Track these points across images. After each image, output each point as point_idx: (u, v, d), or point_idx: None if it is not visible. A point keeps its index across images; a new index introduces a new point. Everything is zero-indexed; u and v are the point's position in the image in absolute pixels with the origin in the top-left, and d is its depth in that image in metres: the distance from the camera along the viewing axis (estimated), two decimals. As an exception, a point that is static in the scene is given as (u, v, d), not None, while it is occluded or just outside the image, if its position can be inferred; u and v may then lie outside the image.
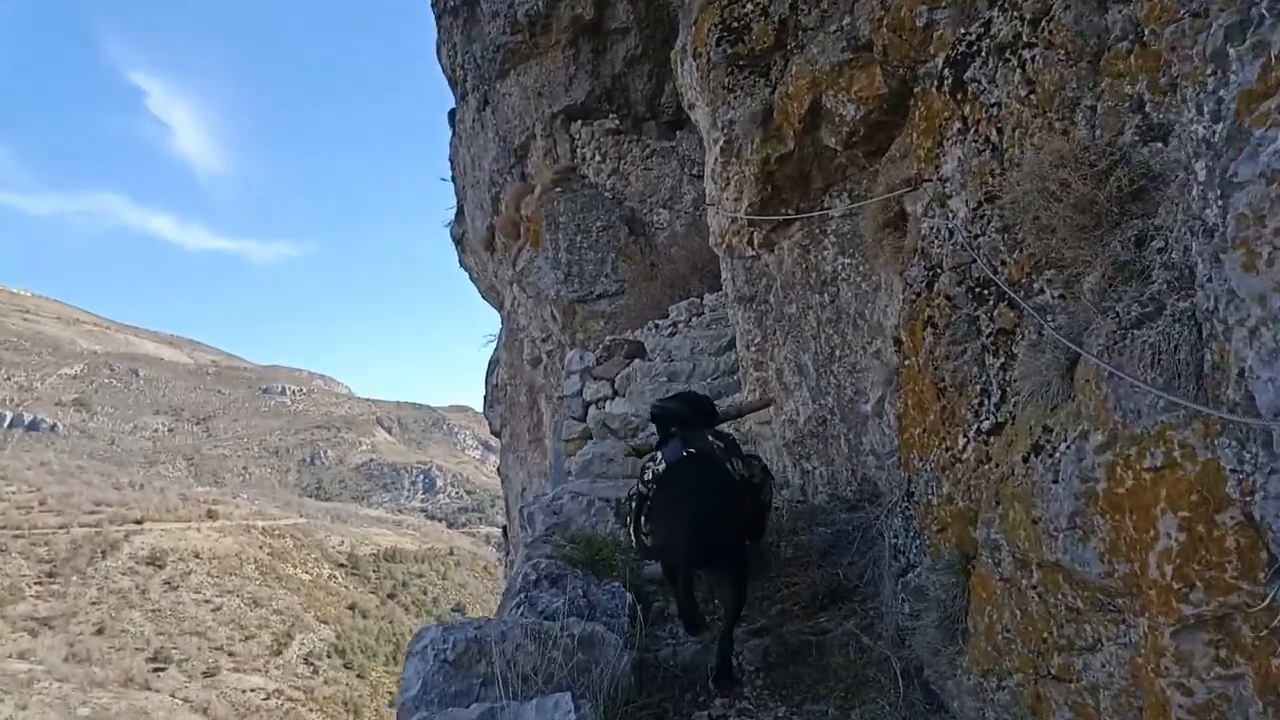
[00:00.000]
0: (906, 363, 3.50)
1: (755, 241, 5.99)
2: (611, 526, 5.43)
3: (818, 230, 5.42)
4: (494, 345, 21.19)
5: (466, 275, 22.44)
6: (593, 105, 17.46)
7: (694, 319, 10.11)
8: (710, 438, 4.51)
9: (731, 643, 3.82)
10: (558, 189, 17.00)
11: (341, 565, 79.84)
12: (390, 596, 76.83)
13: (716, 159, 5.96)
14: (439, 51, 19.60)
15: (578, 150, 17.38)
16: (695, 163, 16.29)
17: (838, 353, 5.31)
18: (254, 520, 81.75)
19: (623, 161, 16.93)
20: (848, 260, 5.14)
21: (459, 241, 21.91)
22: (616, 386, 9.94)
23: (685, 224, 15.89)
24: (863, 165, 4.75)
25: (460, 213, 21.53)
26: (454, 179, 21.21)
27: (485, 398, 21.08)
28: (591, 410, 10.05)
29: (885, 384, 4.39)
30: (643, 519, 4.39)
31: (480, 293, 22.02)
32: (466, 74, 18.82)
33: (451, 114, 20.38)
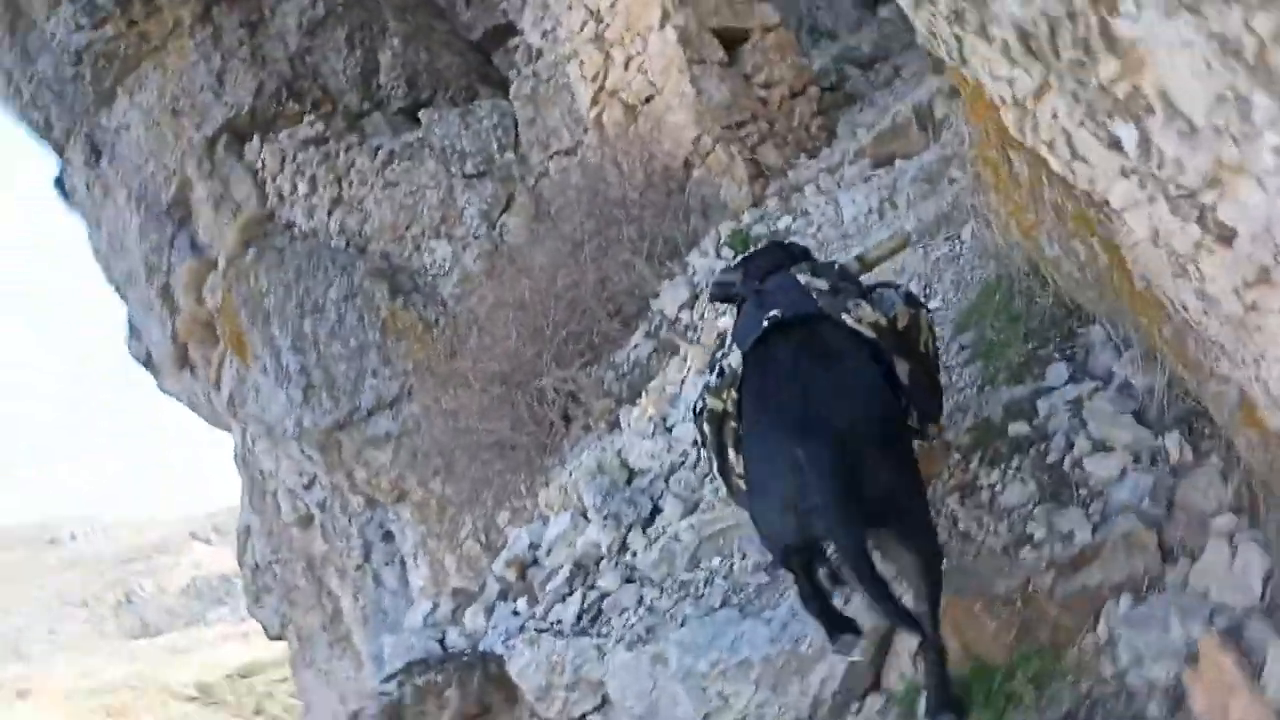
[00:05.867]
0: None
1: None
2: None
3: None
4: (240, 505, 13.08)
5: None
6: (270, 109, 9.87)
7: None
8: (802, 278, 2.41)
9: (942, 646, 2.11)
10: (251, 252, 9.33)
11: (194, 699, 66.92)
12: (257, 714, 65.03)
13: None
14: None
15: (267, 184, 9.73)
16: (465, 155, 9.07)
17: None
18: (79, 684, 67.17)
19: (346, 184, 9.47)
20: None
21: (147, 364, 13.54)
22: None
23: (482, 254, 8.68)
24: None
25: (133, 325, 13.14)
26: (109, 278, 12.78)
27: (245, 588, 12.98)
28: None
29: None
30: (729, 450, 2.33)
31: (207, 421, 13.82)
32: (49, 114, 10.51)
33: (60, 184, 11.90)
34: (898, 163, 6.46)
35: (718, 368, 2.43)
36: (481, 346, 6.64)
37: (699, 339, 5.47)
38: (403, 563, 9.97)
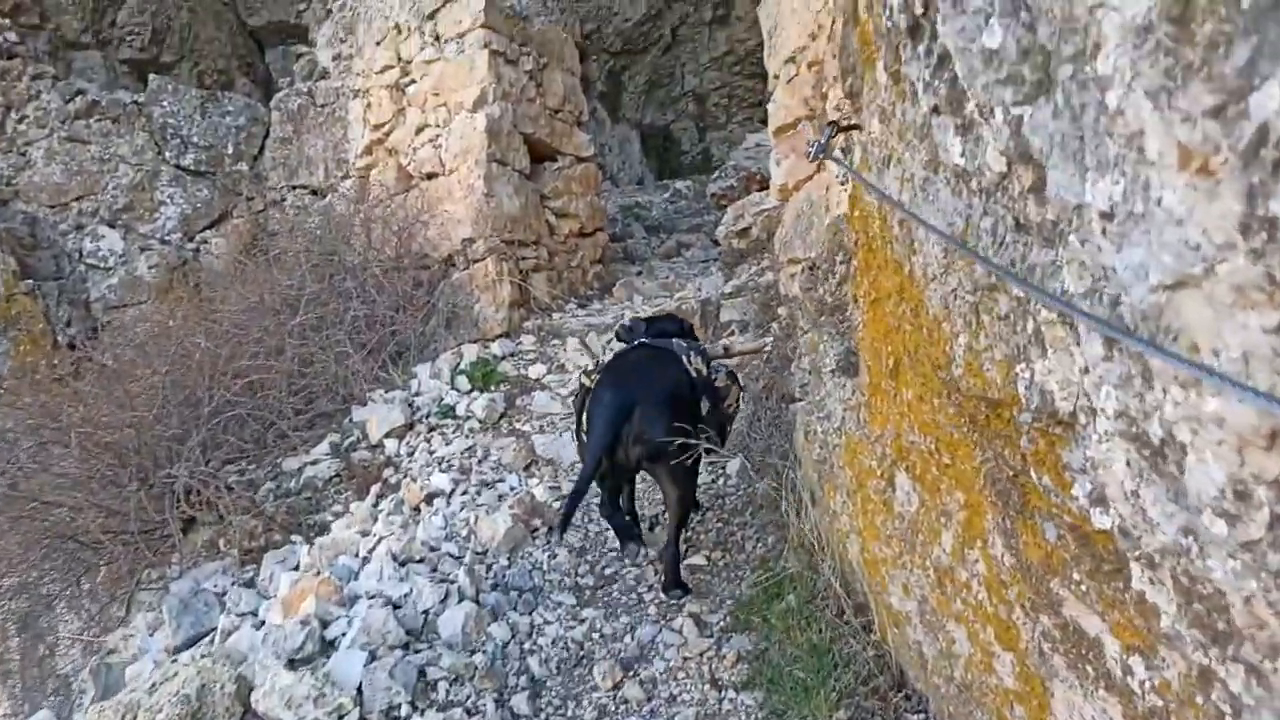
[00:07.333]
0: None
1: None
2: None
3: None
4: None
5: None
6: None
7: None
8: (675, 341, 3.45)
9: (677, 550, 3.19)
10: None
11: None
12: None
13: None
14: None
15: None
16: (188, 144, 7.34)
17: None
18: None
19: (16, 116, 7.21)
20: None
21: None
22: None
23: (164, 265, 6.82)
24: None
25: None
26: None
27: None
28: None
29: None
30: (584, 416, 3.27)
31: None
32: None
33: None
34: (670, 349, 5.94)
35: (596, 362, 3.65)
36: (110, 392, 4.88)
37: (402, 482, 4.29)
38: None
